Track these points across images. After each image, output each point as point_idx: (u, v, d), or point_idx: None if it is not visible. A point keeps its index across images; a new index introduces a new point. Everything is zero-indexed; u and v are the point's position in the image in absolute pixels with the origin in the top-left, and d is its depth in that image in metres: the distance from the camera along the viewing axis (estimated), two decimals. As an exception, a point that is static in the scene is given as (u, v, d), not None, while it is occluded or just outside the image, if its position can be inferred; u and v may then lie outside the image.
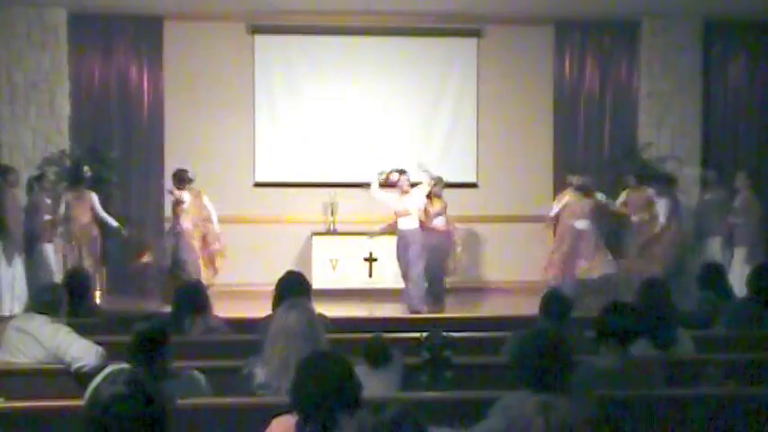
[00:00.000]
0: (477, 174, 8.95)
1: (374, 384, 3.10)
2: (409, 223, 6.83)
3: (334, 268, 7.98)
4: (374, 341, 3.32)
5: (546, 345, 2.40)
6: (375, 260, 8.14)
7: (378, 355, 3.25)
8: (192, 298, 3.94)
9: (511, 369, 2.60)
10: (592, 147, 8.97)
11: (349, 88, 8.78)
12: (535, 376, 2.36)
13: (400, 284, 8.16)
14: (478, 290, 8.68)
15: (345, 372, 2.16)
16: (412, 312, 6.70)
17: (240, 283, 8.18)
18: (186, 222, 7.18)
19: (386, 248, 8.24)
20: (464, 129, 8.93)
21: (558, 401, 2.27)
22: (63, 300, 3.69)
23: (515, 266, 8.78)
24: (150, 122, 8.65)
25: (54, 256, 7.22)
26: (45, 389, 3.23)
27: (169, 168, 8.66)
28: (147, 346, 2.74)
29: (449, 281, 7.85)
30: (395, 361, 3.25)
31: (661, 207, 7.72)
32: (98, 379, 2.78)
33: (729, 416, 2.87)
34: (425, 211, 6.96)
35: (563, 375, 2.36)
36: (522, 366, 2.40)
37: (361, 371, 3.18)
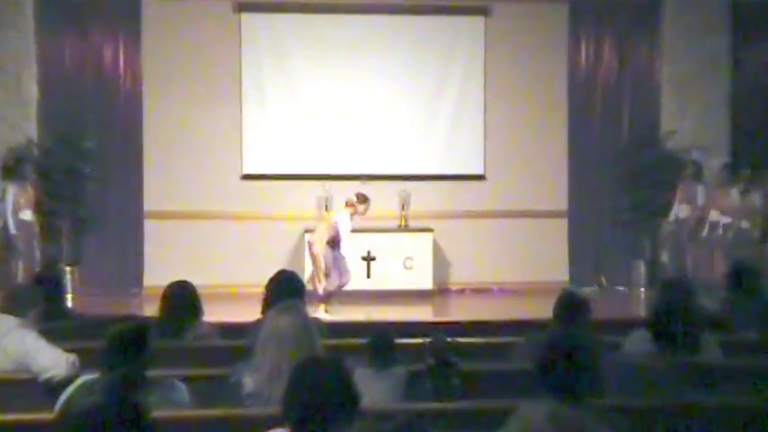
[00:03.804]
0: (485, 165, 8.95)
1: (378, 388, 3.10)
2: None
3: (328, 268, 7.96)
4: (380, 337, 3.31)
5: (564, 351, 2.40)
6: (373, 259, 8.14)
7: (384, 354, 3.25)
8: (187, 302, 3.93)
9: (528, 376, 2.61)
10: (609, 136, 8.97)
11: (345, 72, 8.76)
12: (553, 384, 2.37)
13: (401, 285, 8.19)
14: (486, 291, 8.68)
15: (342, 379, 2.15)
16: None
17: (227, 285, 8.18)
18: None
19: (385, 247, 8.25)
20: (470, 116, 8.92)
21: (571, 411, 2.27)
22: (35, 300, 3.67)
23: (526, 266, 8.79)
24: (127, 109, 8.63)
25: None
26: (10, 401, 3.21)
27: (148, 159, 8.67)
28: (120, 351, 2.72)
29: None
30: (399, 366, 3.25)
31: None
32: (70, 390, 2.77)
33: (758, 426, 2.87)
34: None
35: (581, 383, 2.37)
36: (540, 373, 2.41)
37: (364, 373, 3.19)
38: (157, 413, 2.57)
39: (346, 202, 7.23)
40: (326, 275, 7.06)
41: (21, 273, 7.10)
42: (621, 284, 8.80)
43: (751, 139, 8.89)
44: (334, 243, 7.05)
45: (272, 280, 3.94)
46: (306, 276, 7.19)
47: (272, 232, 8.64)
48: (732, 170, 8.25)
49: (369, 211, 7.24)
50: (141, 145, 8.66)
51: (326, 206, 8.50)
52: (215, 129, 8.69)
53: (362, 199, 7.21)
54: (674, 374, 3.05)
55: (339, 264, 7.12)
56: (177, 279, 4.11)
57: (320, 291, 6.98)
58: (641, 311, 7.54)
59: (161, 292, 4.07)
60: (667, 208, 8.43)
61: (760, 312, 4.31)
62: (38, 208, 7.81)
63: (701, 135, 8.71)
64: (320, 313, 6.85)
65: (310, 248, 7.21)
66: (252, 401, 2.76)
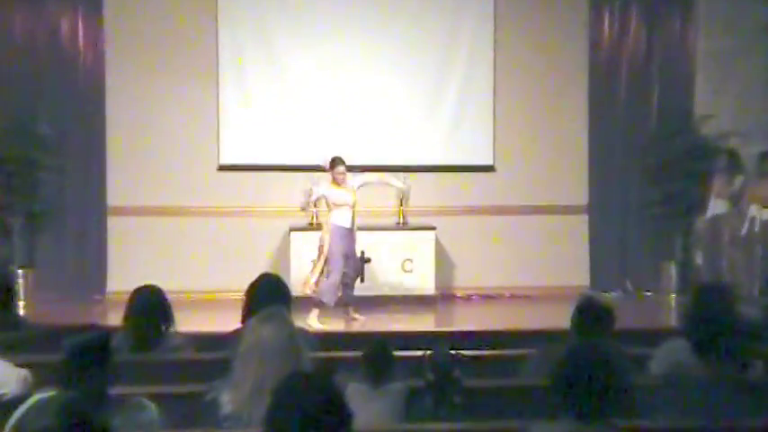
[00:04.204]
0: (494, 155, 8.96)
1: (373, 407, 3.13)
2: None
3: (317, 271, 7.97)
4: (376, 350, 3.33)
5: (584, 364, 2.43)
6: (368, 261, 8.14)
7: (380, 369, 3.27)
8: (156, 309, 3.93)
9: (542, 393, 2.63)
10: (636, 121, 8.98)
11: (336, 49, 8.75)
12: (571, 402, 2.38)
13: (399, 291, 8.20)
14: (496, 297, 8.70)
15: (333, 397, 2.16)
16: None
17: (202, 290, 8.19)
18: None
19: (381, 247, 8.26)
20: (478, 99, 8.92)
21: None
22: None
23: (541, 268, 8.81)
24: (88, 90, 8.61)
25: None
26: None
27: (112, 147, 8.67)
28: (80, 366, 2.73)
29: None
30: (397, 381, 3.28)
31: None
32: (22, 410, 2.77)
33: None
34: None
35: (604, 402, 2.38)
36: (557, 390, 2.42)
37: (358, 390, 3.21)
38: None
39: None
40: (322, 271, 7.07)
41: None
42: (649, 289, 8.83)
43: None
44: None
45: (253, 285, 3.95)
46: (291, 277, 7.24)
47: (253, 231, 8.64)
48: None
49: (340, 178, 7.23)
50: (104, 131, 8.65)
51: (315, 201, 8.50)
52: (188, 113, 8.68)
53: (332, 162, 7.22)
54: (722, 391, 3.07)
55: (352, 263, 7.24)
56: (145, 283, 4.11)
57: (308, 286, 7.03)
58: (672, 320, 7.57)
59: (126, 298, 4.07)
60: (701, 202, 8.46)
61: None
62: (-14, 203, 7.83)
63: (740, 119, 8.73)
64: (312, 321, 6.87)
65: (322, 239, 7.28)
66: (230, 423, 2.77)
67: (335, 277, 7.16)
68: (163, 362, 3.88)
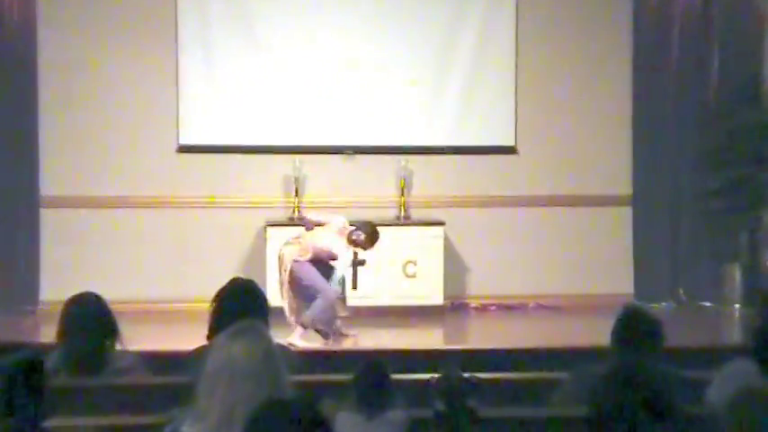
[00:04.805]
0: (516, 134, 8.97)
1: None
2: None
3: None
4: (371, 371, 3.34)
5: (628, 389, 2.42)
6: (362, 264, 8.16)
7: (377, 395, 3.28)
8: (99, 323, 3.93)
9: (576, 424, 2.64)
10: (691, 92, 8.99)
11: (323, 9, 8.75)
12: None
13: (399, 300, 8.21)
14: (518, 308, 8.72)
15: (318, 428, 2.16)
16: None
17: (158, 300, 8.19)
18: None
19: (379, 247, 8.25)
20: (496, 68, 8.95)
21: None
22: None
23: (574, 273, 8.82)
24: (16, 56, 8.60)
25: None
26: None
27: (46, 125, 8.66)
28: (10, 392, 2.73)
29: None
30: (397, 410, 3.28)
31: None
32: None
33: None
34: None
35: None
36: (594, 420, 2.43)
37: (349, 420, 3.23)
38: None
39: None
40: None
41: None
42: (707, 299, 8.85)
43: None
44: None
45: (221, 292, 3.96)
46: (267, 282, 7.24)
47: (221, 226, 8.65)
48: None
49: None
50: (36, 105, 8.63)
51: (296, 190, 8.52)
52: (140, 83, 8.68)
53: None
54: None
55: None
56: (85, 291, 4.11)
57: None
58: (736, 336, 7.59)
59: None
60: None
61: None
62: None
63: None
64: (294, 338, 6.87)
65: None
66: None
67: (329, 296, 7.10)
68: (109, 387, 3.89)
